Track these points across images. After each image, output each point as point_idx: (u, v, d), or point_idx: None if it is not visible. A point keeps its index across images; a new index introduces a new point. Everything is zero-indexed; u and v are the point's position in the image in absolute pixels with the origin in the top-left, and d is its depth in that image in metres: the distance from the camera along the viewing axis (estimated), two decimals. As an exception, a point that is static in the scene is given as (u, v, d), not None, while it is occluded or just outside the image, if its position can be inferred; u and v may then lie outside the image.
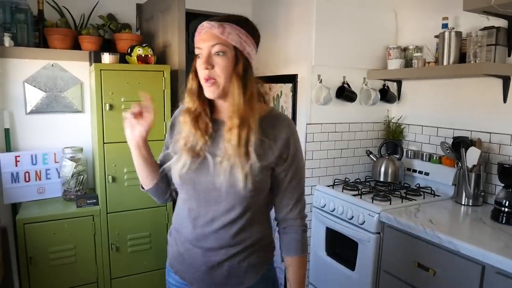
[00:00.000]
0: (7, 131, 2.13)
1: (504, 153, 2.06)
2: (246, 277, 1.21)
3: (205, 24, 1.08)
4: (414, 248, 1.82)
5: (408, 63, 2.43)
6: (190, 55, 4.11)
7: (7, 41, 2.04)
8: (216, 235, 1.16)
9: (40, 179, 2.14)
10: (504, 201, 1.82)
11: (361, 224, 2.09)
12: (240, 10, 2.84)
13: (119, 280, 2.10)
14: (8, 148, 2.13)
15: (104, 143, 1.98)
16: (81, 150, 2.17)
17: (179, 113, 1.22)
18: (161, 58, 2.41)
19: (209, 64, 1.07)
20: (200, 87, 1.12)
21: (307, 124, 2.38)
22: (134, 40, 2.33)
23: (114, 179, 1.99)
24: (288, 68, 2.54)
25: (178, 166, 1.14)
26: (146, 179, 1.27)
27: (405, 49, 2.47)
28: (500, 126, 2.08)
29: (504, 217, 1.81)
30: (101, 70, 1.94)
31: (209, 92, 1.10)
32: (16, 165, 2.08)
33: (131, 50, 2.19)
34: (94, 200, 2.03)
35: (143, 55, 2.18)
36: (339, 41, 2.39)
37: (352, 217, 2.15)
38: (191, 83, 1.14)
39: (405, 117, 2.61)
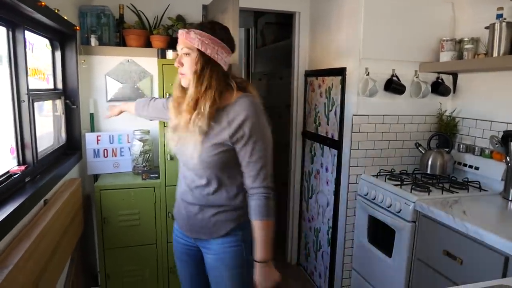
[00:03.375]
0: (91, 115, 2.57)
1: (556, 148, 1.97)
2: (215, 230, 1.50)
3: (179, 31, 1.40)
4: (444, 237, 1.85)
5: (461, 56, 2.40)
6: (258, 50, 4.37)
7: (93, 41, 2.47)
8: (192, 193, 1.50)
9: (115, 155, 2.55)
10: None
11: (398, 212, 2.15)
12: (297, 7, 3.02)
13: (174, 244, 2.44)
14: (92, 129, 2.58)
15: (164, 126, 2.32)
16: (148, 132, 2.53)
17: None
18: (221, 53, 2.68)
19: (179, 63, 1.41)
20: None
21: (353, 115, 2.47)
22: (197, 37, 2.62)
23: (172, 158, 2.31)
24: (338, 62, 2.65)
25: (171, 143, 1.50)
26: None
27: (460, 41, 2.43)
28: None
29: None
30: (163, 64, 2.26)
31: (182, 83, 1.44)
32: (97, 143, 2.51)
33: (192, 47, 2.49)
34: (156, 175, 2.38)
35: (202, 51, 2.47)
36: (389, 34, 2.43)
37: (390, 205, 2.21)
38: (177, 77, 1.47)
39: (459, 111, 2.56)
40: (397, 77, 2.48)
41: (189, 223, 1.55)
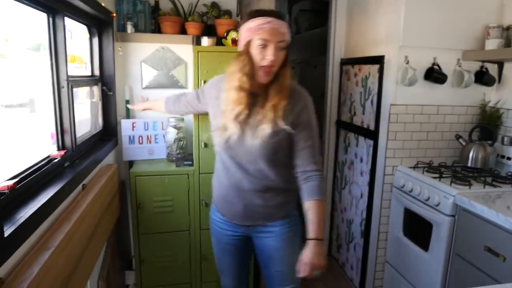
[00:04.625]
0: (127, 102, 2.61)
1: None
2: (276, 212, 1.58)
3: (273, 21, 1.33)
4: (486, 233, 1.78)
5: (508, 43, 2.26)
6: (291, 38, 4.29)
7: (129, 28, 2.49)
8: (250, 180, 1.53)
9: (150, 142, 2.58)
10: None
11: (436, 206, 2.08)
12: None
13: (207, 231, 2.42)
14: (128, 116, 2.62)
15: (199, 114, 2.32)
16: (182, 120, 2.54)
17: (219, 85, 1.57)
18: (255, 41, 2.65)
19: (275, 56, 1.34)
20: (252, 70, 1.39)
21: (390, 105, 2.39)
22: (231, 25, 2.60)
23: (206, 145, 2.31)
24: (376, 49, 2.56)
25: (227, 134, 1.48)
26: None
27: (508, 28, 2.30)
28: None
29: None
30: (198, 51, 2.25)
31: (266, 77, 1.39)
32: (133, 130, 2.54)
33: (227, 34, 2.47)
34: (190, 162, 2.39)
35: (236, 39, 2.45)
36: (431, 21, 2.33)
37: (428, 198, 2.14)
38: (246, 66, 1.38)
39: (504, 101, 2.44)
40: (438, 65, 2.38)
41: (246, 211, 1.58)
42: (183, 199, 2.37)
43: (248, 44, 1.37)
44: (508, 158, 2.34)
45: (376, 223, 2.58)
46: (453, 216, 1.99)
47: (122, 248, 2.53)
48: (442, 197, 2.05)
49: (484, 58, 2.39)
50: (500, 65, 2.46)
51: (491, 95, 2.51)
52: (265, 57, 1.34)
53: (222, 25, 2.61)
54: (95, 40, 2.32)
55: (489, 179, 2.15)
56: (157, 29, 2.61)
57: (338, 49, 3.06)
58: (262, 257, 1.69)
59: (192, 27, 2.58)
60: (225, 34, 2.48)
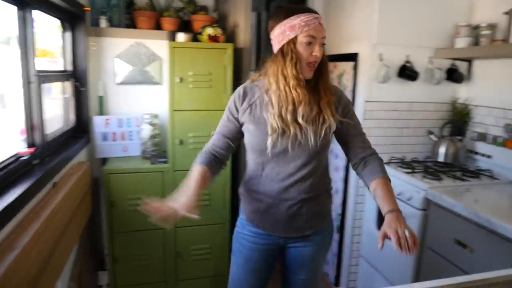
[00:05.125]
0: (100, 98, 2.56)
1: None
2: (320, 220, 1.54)
3: (318, 18, 1.32)
4: (455, 226, 1.83)
5: (477, 42, 2.33)
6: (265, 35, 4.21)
7: (103, 23, 2.44)
8: (295, 188, 1.44)
9: (124, 139, 2.54)
10: (560, 186, 1.73)
11: (408, 200, 2.13)
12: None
13: (182, 229, 2.43)
14: (101, 112, 2.57)
15: (174, 110, 2.30)
16: (156, 116, 2.52)
17: (251, 92, 1.43)
18: (231, 37, 2.65)
19: (320, 52, 1.33)
20: (301, 67, 1.35)
21: (365, 102, 2.42)
22: (207, 21, 2.58)
23: (181, 142, 2.30)
24: (351, 47, 2.59)
25: (285, 136, 1.37)
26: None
27: (476, 27, 2.36)
28: None
29: (559, 203, 1.73)
30: (173, 47, 2.23)
31: (310, 73, 1.37)
32: (106, 127, 2.50)
33: (203, 30, 2.45)
34: (164, 159, 2.37)
35: (213, 35, 2.43)
36: (404, 19, 2.37)
37: (401, 193, 2.18)
38: (297, 64, 1.33)
39: (473, 98, 2.51)
40: (410, 63, 2.43)
41: (292, 221, 1.48)
42: (157, 197, 2.33)
43: (292, 41, 1.32)
44: (477, 153, 2.41)
45: (351, 218, 2.62)
46: (425, 210, 2.04)
47: (95, 247, 2.49)
48: (414, 191, 2.09)
49: (454, 56, 2.45)
50: (470, 62, 2.53)
51: (461, 92, 2.58)
52: (312, 53, 1.32)
53: (198, 21, 2.59)
54: (68, 35, 2.26)
55: (458, 174, 2.21)
56: (132, 24, 2.57)
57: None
58: (291, 265, 1.61)
59: (168, 23, 2.55)
60: (201, 30, 2.46)
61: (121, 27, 2.51)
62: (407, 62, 2.42)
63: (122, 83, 2.61)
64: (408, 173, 2.23)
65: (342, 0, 2.71)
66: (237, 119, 1.44)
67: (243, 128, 1.44)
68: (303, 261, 1.57)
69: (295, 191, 1.44)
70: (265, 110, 1.38)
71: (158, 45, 2.63)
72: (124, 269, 2.39)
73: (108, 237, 2.34)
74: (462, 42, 2.35)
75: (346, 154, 1.52)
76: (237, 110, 1.43)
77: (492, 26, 2.28)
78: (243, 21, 2.50)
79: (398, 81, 2.44)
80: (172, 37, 2.47)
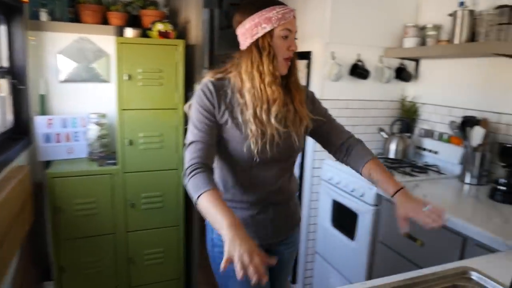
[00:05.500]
0: (42, 97, 2.39)
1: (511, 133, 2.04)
2: (297, 218, 1.52)
3: (293, 10, 1.24)
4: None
5: (423, 42, 2.42)
6: (222, 32, 4.18)
7: (44, 16, 2.27)
8: (279, 190, 1.38)
9: (69, 140, 2.39)
10: (501, 180, 1.82)
11: (360, 197, 2.17)
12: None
13: (134, 233, 2.34)
14: (43, 112, 2.40)
15: (122, 109, 2.20)
16: (104, 116, 2.39)
17: (226, 90, 1.26)
18: (183, 33, 2.57)
19: (296, 47, 1.27)
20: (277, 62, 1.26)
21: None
22: (157, 16, 2.49)
23: (131, 143, 2.20)
24: (304, 45, 2.59)
25: (265, 139, 1.24)
26: None
27: (423, 28, 2.45)
28: (509, 107, 2.05)
29: (500, 195, 1.82)
30: (121, 43, 2.13)
31: (286, 69, 1.29)
32: (49, 127, 2.33)
33: (153, 26, 2.36)
34: (113, 161, 2.26)
35: (163, 30, 2.35)
36: (355, 18, 2.41)
37: (354, 189, 2.22)
38: (274, 58, 1.23)
39: (420, 96, 2.61)
40: (362, 62, 2.48)
41: (277, 225, 1.41)
42: (106, 201, 2.24)
43: (269, 35, 1.22)
44: (424, 149, 2.51)
45: (306, 215, 2.63)
46: (377, 205, 2.08)
47: (40, 256, 2.33)
48: (366, 188, 2.13)
49: (402, 55, 2.53)
50: (417, 62, 2.63)
51: (409, 90, 2.67)
52: (290, 48, 1.25)
53: (147, 16, 2.49)
54: (3, 28, 2.09)
55: (408, 169, 2.29)
56: (76, 18, 2.42)
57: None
58: (274, 270, 1.46)
59: (115, 17, 2.42)
60: (150, 26, 2.37)
61: (63, 21, 2.36)
62: (359, 61, 2.47)
63: (66, 81, 2.46)
64: (360, 169, 2.26)
65: (295, -2, 2.71)
66: (215, 121, 1.25)
67: (222, 135, 1.27)
68: (285, 263, 1.54)
69: (280, 194, 1.39)
70: (241, 112, 1.25)
71: (105, 40, 2.50)
72: (71, 278, 2.25)
73: (53, 245, 2.20)
74: (410, 42, 2.43)
75: (324, 145, 1.51)
76: (214, 108, 1.25)
77: (437, 27, 2.38)
78: (194, 17, 2.44)
79: (350, 79, 2.49)
80: (120, 33, 2.36)
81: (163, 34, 2.34)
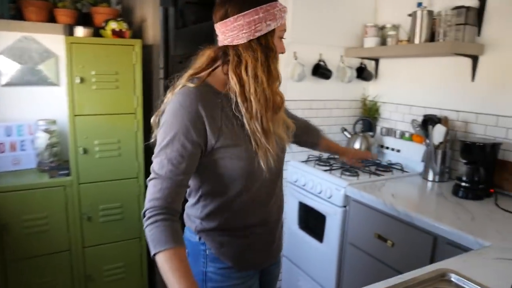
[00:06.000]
0: (-18, 102, 2.17)
1: (470, 130, 2.10)
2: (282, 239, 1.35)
3: (285, 8, 1.09)
4: (376, 220, 1.87)
5: (383, 42, 2.44)
6: (178, 31, 4.02)
7: (-19, 13, 2.06)
8: (274, 207, 1.22)
9: (15, 150, 2.19)
10: (463, 176, 1.86)
11: (328, 198, 2.15)
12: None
13: (91, 248, 2.18)
14: (-18, 119, 2.18)
15: (74, 115, 2.03)
16: (54, 122, 2.21)
17: (212, 97, 1.05)
18: (139, 33, 2.43)
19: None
20: None
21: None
22: (110, 14, 2.34)
23: (85, 151, 2.04)
24: (265, 45, 2.55)
25: (270, 155, 1.09)
26: None
27: (382, 28, 2.48)
28: (467, 105, 2.11)
29: (463, 192, 1.86)
30: (71, 43, 1.96)
31: None
32: (-10, 136, 2.13)
33: (106, 24, 2.21)
34: (66, 171, 2.09)
35: (117, 30, 2.20)
36: (316, 18, 2.39)
37: (321, 191, 2.20)
38: (277, 66, 1.10)
39: (381, 95, 2.64)
40: (324, 62, 2.47)
41: (274, 246, 1.27)
42: (60, 215, 2.07)
43: (271, 34, 1.07)
44: (387, 148, 2.54)
45: (273, 219, 2.58)
46: (345, 207, 2.07)
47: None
48: (334, 189, 2.11)
49: (363, 55, 2.55)
50: (376, 61, 2.66)
51: (370, 90, 2.69)
52: (282, 50, 1.12)
53: (99, 13, 2.33)
54: None
55: (373, 169, 2.30)
56: (19, 15, 2.21)
57: (227, 43, 2.98)
58: None
59: (63, 15, 2.25)
60: (103, 25, 2.21)
61: (4, 18, 2.14)
62: (321, 61, 2.46)
63: (8, 84, 2.24)
64: (326, 170, 2.25)
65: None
66: (201, 150, 1.03)
67: (217, 157, 1.05)
68: (274, 282, 1.39)
69: (275, 211, 1.23)
70: (242, 124, 1.06)
71: (52, 40, 2.31)
72: (21, 302, 2.06)
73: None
74: (370, 42, 2.44)
75: (303, 139, 1.60)
76: (203, 135, 1.01)
77: (396, 27, 2.41)
78: (151, 16, 2.30)
79: (312, 79, 2.47)
80: (69, 32, 2.18)
81: (118, 34, 2.20)
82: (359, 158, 1.79)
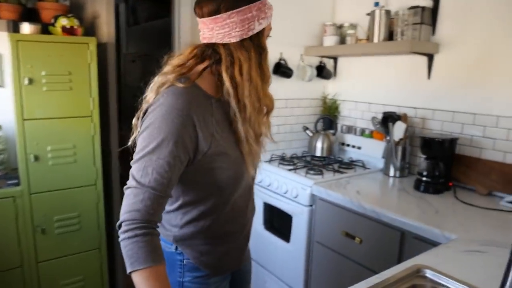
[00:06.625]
0: None
1: (427, 127, 2.18)
2: None
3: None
4: (343, 218, 1.89)
5: (342, 40, 2.48)
6: (130, 29, 3.86)
7: None
8: (251, 212, 1.20)
9: (-47, 159, 1.98)
10: (424, 171, 1.93)
11: (294, 198, 2.14)
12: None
13: (47, 263, 2.02)
14: None
15: (23, 119, 1.87)
16: (-1, 127, 2.03)
17: (201, 100, 0.96)
18: (91, 30, 2.29)
19: None
20: None
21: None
22: (58, 9, 2.17)
23: (36, 158, 1.88)
24: (225, 43, 2.50)
25: (256, 165, 1.09)
26: None
27: (340, 26, 2.51)
28: (424, 102, 2.19)
29: (424, 186, 1.92)
30: (17, 41, 1.80)
31: None
32: None
33: (55, 21, 2.05)
34: (15, 181, 1.92)
35: (68, 26, 2.05)
36: (276, 16, 2.35)
37: (287, 191, 2.19)
38: (268, 67, 1.06)
39: (340, 94, 2.68)
40: (284, 60, 2.46)
41: (246, 249, 1.25)
42: (9, 229, 1.89)
43: (263, 33, 1.03)
44: (348, 145, 2.59)
45: (238, 221, 2.55)
46: (311, 206, 2.07)
47: None
48: (300, 189, 2.11)
49: (322, 54, 2.58)
50: (335, 60, 2.70)
51: (330, 88, 2.73)
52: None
53: (46, 9, 2.16)
54: None
55: (336, 166, 2.32)
56: (-49, 10, 2.00)
57: (184, 42, 2.89)
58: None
59: (6, 10, 2.05)
60: (52, 21, 2.05)
61: None
62: (281, 59, 2.45)
63: None
64: (291, 170, 2.24)
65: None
66: (190, 158, 0.95)
67: (205, 165, 0.98)
68: (248, 279, 1.37)
69: (250, 216, 1.21)
70: (235, 128, 1.00)
71: (-7, 38, 2.10)
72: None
73: None
74: (329, 41, 2.47)
75: None
76: (197, 143, 0.93)
77: (354, 26, 2.46)
78: (104, 12, 2.17)
79: (274, 78, 2.41)
80: (14, 28, 2.00)
81: (68, 31, 2.05)
82: None
